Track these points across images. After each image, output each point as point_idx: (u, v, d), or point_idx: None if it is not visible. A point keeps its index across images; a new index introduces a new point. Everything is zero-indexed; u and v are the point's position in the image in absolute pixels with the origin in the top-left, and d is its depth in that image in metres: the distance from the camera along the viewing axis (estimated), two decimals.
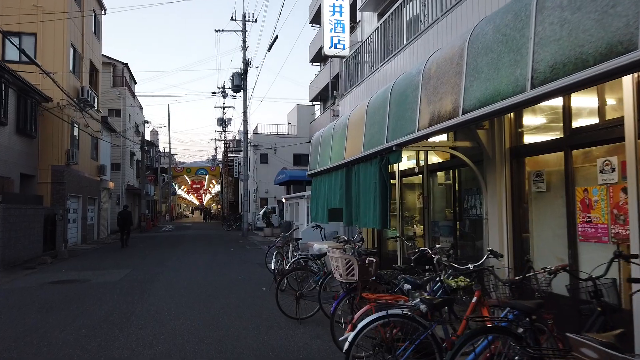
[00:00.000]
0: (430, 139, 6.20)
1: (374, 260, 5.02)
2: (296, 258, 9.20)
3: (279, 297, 7.12)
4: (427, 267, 6.57)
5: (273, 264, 9.65)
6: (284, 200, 28.36)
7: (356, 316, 4.27)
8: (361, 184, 7.58)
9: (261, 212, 31.49)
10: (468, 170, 7.56)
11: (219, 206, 64.19)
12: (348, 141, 8.42)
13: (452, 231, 7.90)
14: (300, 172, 28.65)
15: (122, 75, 35.01)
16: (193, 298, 8.72)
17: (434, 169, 8.36)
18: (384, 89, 7.08)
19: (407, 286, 4.48)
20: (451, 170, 7.93)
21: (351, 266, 4.95)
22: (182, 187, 72.45)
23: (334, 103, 29.23)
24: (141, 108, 42.19)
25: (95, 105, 23.49)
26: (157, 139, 51.16)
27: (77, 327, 6.64)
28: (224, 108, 47.03)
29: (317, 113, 35.73)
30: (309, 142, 36.01)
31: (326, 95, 32.22)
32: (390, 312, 3.57)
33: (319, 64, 35.42)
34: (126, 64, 34.91)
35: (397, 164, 8.57)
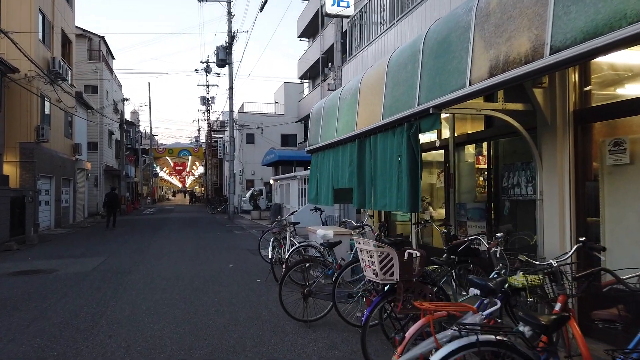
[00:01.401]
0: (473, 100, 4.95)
1: (420, 253, 3.78)
2: (297, 246, 7.96)
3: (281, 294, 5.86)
4: (467, 260, 5.42)
5: (270, 253, 8.37)
6: (272, 182, 27.06)
7: (409, 334, 3.04)
8: (379, 158, 6.31)
9: (248, 195, 30.14)
10: (508, 142, 6.35)
11: (203, 189, 62.47)
12: (360, 109, 7.11)
13: (484, 215, 6.72)
14: (291, 152, 27.31)
15: (98, 49, 32.94)
16: (177, 293, 7.43)
17: (461, 141, 7.13)
18: (412, 40, 5.77)
19: (474, 291, 3.26)
20: (485, 143, 6.71)
21: (389, 262, 3.70)
22: (164, 168, 70.36)
23: (324, 80, 27.79)
24: (120, 85, 40.08)
25: (69, 79, 21.66)
26: (138, 119, 49.03)
27: (30, 335, 5.31)
28: (208, 86, 44.96)
29: (306, 91, 34.24)
30: (298, 121, 34.85)
31: (316, 72, 30.73)
32: (481, 337, 2.33)
33: (307, 39, 33.82)
34: (103, 37, 32.84)
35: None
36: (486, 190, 6.67)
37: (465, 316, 3.11)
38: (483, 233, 4.93)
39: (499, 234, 4.29)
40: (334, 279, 5.48)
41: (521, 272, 3.88)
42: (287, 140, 34.98)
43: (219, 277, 8.79)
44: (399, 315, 3.80)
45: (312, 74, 32.28)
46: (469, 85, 4.30)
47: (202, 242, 14.85)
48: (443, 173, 7.66)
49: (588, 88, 4.93)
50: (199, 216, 30.06)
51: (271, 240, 8.51)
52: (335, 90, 16.68)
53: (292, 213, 9.38)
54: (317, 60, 28.14)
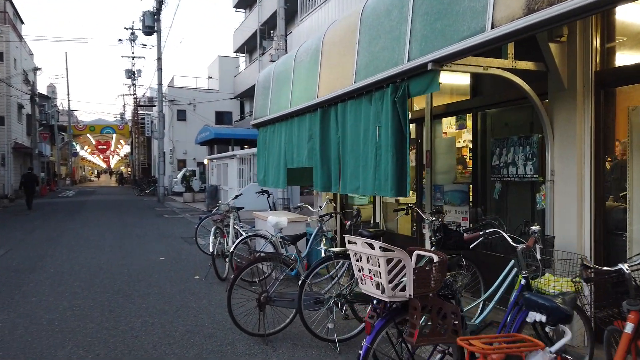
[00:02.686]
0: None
1: (443, 258, 2.68)
2: (244, 237, 6.71)
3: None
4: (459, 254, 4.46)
5: (210, 244, 7.02)
6: (206, 161, 25.24)
7: None
8: (349, 131, 5.17)
9: (179, 175, 28.08)
10: (500, 113, 5.44)
11: (129, 169, 58.55)
12: (323, 73, 5.89)
13: (465, 198, 5.80)
14: (228, 129, 25.61)
15: (3, 11, 29.01)
16: (92, 299, 5.93)
17: (439, 113, 6.14)
18: None
19: (538, 316, 2.21)
20: (469, 114, 5.76)
21: (400, 271, 2.58)
22: (86, 147, 65.15)
23: (263, 53, 26.16)
24: (31, 54, 35.89)
25: None
26: (54, 92, 44.41)
27: None
28: (133, 58, 41.41)
29: (243, 66, 32.34)
30: (234, 98, 32.91)
31: (253, 45, 28.95)
32: None
33: (244, 9, 31.78)
34: None
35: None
36: (470, 170, 5.74)
37: (531, 357, 2.06)
38: (492, 223, 3.94)
39: (534, 228, 3.29)
40: (300, 282, 4.31)
41: (569, 278, 2.93)
42: (222, 118, 33.01)
43: (148, 274, 7.34)
44: (412, 346, 2.70)
45: (249, 47, 30.44)
46: (491, 28, 3.22)
47: (128, 229, 13.08)
48: (414, 150, 6.67)
49: (612, 44, 4.05)
50: (125, 199, 27.57)
51: (212, 229, 7.15)
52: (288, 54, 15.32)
53: (236, 197, 8.04)
54: (255, 32, 26.41)
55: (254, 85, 28.90)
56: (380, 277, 2.57)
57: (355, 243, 2.76)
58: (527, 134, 4.85)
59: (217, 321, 4.98)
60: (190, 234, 11.56)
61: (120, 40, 52.89)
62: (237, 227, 7.54)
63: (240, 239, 6.52)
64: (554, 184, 4.26)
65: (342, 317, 4.58)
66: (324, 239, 6.72)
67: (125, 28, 54.85)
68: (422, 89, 4.05)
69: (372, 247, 2.65)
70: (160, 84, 24.26)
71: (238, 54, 33.09)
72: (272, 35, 23.38)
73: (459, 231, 4.49)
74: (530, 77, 4.27)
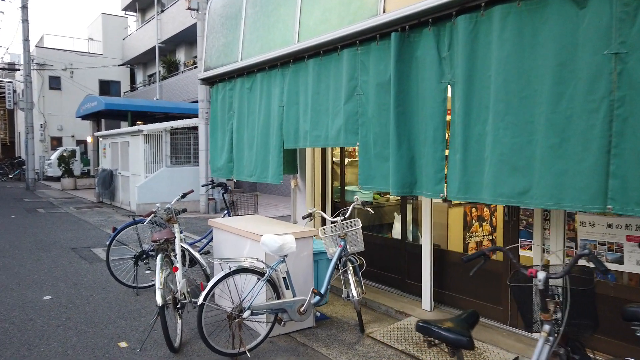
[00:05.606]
0: None
1: None
2: (224, 274, 3.75)
3: None
4: None
5: (158, 292, 3.76)
6: (90, 139, 20.55)
7: None
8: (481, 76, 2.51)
9: (54, 156, 22.85)
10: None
11: None
12: None
13: None
14: (124, 100, 21.09)
15: None
16: None
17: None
18: None
19: None
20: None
21: None
22: None
23: (163, 11, 21.91)
24: None
25: None
26: None
27: None
28: None
29: (134, 26, 27.43)
30: (123, 64, 27.85)
31: (148, 1, 24.46)
32: None
33: None
34: None
35: None
36: None
37: None
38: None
39: None
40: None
41: None
42: (108, 88, 27.81)
43: (21, 341, 4.00)
44: None
45: (142, 4, 25.73)
46: None
47: None
48: None
49: None
50: None
51: (159, 258, 3.96)
52: (198, 11, 11.88)
53: (183, 195, 4.85)
54: None
55: (150, 50, 24.39)
56: None
57: None
58: None
59: None
60: (86, 241, 8.06)
61: None
62: (191, 251, 4.47)
63: (217, 278, 3.52)
64: None
65: None
66: (349, 266, 4.10)
67: None
68: None
69: None
70: (27, 39, 18.98)
71: (127, 12, 28.01)
72: None
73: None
74: None
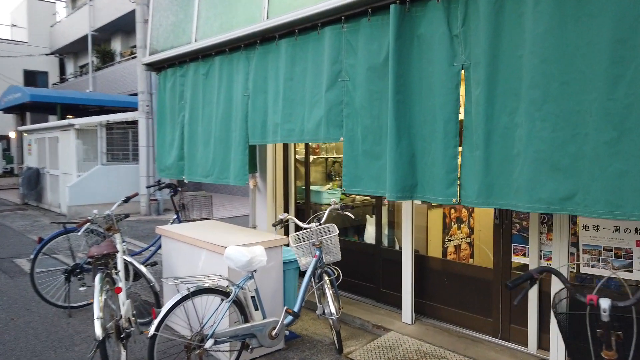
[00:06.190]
0: None
1: None
2: (181, 297, 3.11)
3: None
4: None
5: (97, 322, 3.05)
6: (13, 135, 18.69)
7: None
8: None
9: None
10: None
11: None
12: None
13: None
14: (52, 92, 19.33)
15: None
16: None
17: None
18: None
19: None
20: None
21: None
22: None
23: None
24: None
25: None
26: None
27: None
28: None
29: (63, 12, 25.40)
30: (51, 54, 25.73)
31: None
32: None
33: None
34: None
35: None
36: None
37: None
38: None
39: None
40: None
41: None
42: (34, 79, 25.58)
43: None
44: None
45: None
46: None
47: None
48: None
49: None
50: None
51: (98, 277, 3.24)
52: None
53: (127, 199, 4.12)
54: None
55: (82, 38, 22.56)
56: None
57: None
58: None
59: None
60: (7, 250, 7.04)
61: None
62: (135, 265, 3.78)
63: (172, 302, 2.89)
64: None
65: None
66: (326, 279, 3.63)
67: None
68: None
69: None
70: None
71: None
72: None
73: None
74: None
